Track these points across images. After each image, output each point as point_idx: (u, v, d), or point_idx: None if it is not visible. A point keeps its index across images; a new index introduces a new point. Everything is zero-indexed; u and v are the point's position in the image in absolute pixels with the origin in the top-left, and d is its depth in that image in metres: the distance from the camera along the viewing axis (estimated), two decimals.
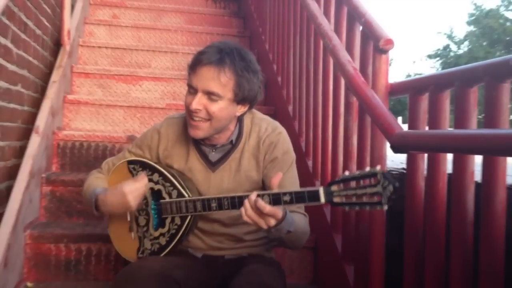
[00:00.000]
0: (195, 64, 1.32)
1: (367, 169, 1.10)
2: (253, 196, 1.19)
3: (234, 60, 1.31)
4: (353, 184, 1.10)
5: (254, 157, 1.43)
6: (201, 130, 1.35)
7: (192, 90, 1.33)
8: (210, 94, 1.30)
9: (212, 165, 1.44)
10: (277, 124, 1.49)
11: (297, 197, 1.17)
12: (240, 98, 1.33)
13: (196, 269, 1.42)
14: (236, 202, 1.26)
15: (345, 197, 1.12)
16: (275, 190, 1.20)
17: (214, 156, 1.44)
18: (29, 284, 1.87)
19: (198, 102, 1.31)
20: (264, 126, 1.45)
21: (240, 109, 1.38)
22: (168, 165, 1.46)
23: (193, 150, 1.46)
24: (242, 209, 1.20)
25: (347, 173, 1.13)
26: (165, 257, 1.39)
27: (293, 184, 1.43)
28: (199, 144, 1.45)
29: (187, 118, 1.37)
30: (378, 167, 1.08)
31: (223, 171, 1.43)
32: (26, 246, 1.90)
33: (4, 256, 1.65)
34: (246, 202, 1.19)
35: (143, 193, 1.38)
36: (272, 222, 1.19)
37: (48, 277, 1.92)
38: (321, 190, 1.14)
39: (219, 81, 1.29)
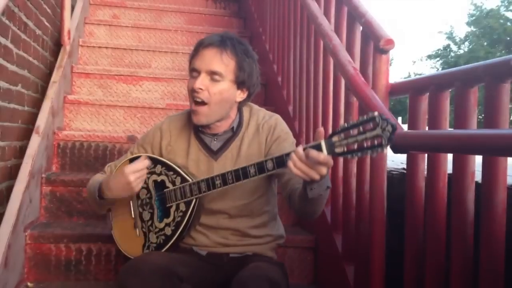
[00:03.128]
0: (198, 47, 1.39)
1: (364, 115, 1.10)
2: (300, 149, 1.16)
3: (234, 43, 1.39)
4: (353, 132, 1.10)
5: (255, 142, 1.46)
6: (203, 115, 1.38)
7: (195, 73, 1.38)
8: (212, 74, 1.36)
9: (214, 154, 1.46)
10: (273, 113, 1.54)
11: None
12: (241, 80, 1.39)
13: (200, 267, 1.42)
14: (240, 174, 1.28)
15: (346, 146, 1.12)
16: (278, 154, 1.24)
17: (215, 145, 1.47)
18: (29, 284, 1.87)
19: (201, 82, 1.35)
20: (261, 115, 1.51)
21: (239, 95, 1.42)
22: (170, 160, 1.48)
23: (194, 141, 1.48)
24: (290, 163, 1.17)
25: (345, 123, 1.13)
26: (168, 253, 1.40)
27: None
28: (200, 135, 1.48)
29: (190, 103, 1.41)
30: (376, 112, 1.08)
31: (225, 159, 1.45)
32: (26, 246, 1.90)
33: (4, 256, 1.65)
34: (293, 155, 1.17)
35: (144, 172, 1.39)
36: (325, 170, 1.15)
37: (48, 277, 1.92)
38: (323, 143, 1.14)
39: (221, 60, 1.35)
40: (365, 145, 1.09)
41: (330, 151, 1.14)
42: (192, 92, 1.37)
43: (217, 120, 1.42)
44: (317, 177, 1.16)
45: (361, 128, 1.09)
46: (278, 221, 1.56)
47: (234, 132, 1.47)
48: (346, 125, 1.12)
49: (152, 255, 1.38)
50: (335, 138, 1.13)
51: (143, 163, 1.39)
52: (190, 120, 1.46)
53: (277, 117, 1.51)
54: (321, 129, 1.18)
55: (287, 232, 1.61)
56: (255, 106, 1.55)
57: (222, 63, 1.35)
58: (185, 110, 1.56)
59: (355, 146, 1.11)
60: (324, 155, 1.14)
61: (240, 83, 1.39)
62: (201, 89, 1.35)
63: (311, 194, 1.23)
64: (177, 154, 1.48)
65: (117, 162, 1.57)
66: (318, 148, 1.15)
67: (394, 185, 1.70)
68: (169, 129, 1.51)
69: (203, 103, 1.37)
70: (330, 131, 1.98)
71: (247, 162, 1.41)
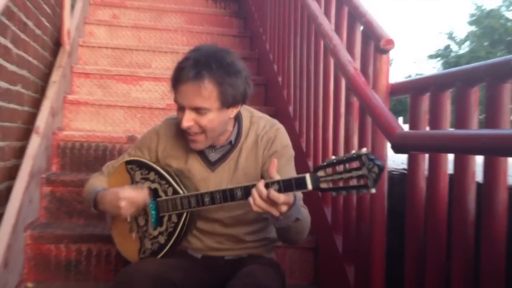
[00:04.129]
0: (175, 83, 1.33)
1: (353, 151, 1.09)
2: (261, 185, 1.17)
3: (211, 70, 1.28)
4: (339, 168, 1.09)
5: (252, 154, 1.44)
6: (199, 143, 1.37)
7: (180, 106, 1.35)
8: (197, 109, 1.31)
9: (212, 165, 1.45)
10: (275, 121, 1.50)
11: (285, 186, 1.17)
12: (228, 104, 1.33)
13: (195, 270, 1.41)
14: (228, 195, 1.27)
15: (331, 182, 1.11)
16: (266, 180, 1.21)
17: (213, 156, 1.45)
18: (29, 284, 1.87)
19: (188, 119, 1.32)
20: (262, 124, 1.46)
21: (232, 111, 1.38)
22: (168, 165, 1.47)
23: (192, 150, 1.46)
24: (250, 199, 1.18)
25: (333, 157, 1.12)
26: (162, 259, 1.39)
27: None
28: None
29: (185, 131, 1.38)
30: (364, 149, 1.08)
31: (223, 171, 1.44)
32: (26, 247, 1.90)
33: (4, 257, 1.65)
34: (254, 191, 1.18)
35: (137, 203, 1.38)
36: (284, 208, 1.18)
37: (48, 278, 1.91)
38: (308, 177, 1.14)
39: (201, 96, 1.28)
40: (350, 183, 1.09)
41: (315, 185, 1.13)
42: (183, 128, 1.35)
43: (215, 140, 1.41)
44: (276, 214, 1.18)
45: (347, 165, 1.08)
46: None
47: (232, 145, 1.45)
48: (332, 159, 1.11)
49: (145, 263, 1.36)
50: (320, 173, 1.12)
51: (141, 193, 1.38)
52: None
53: (277, 128, 1.46)
54: (274, 160, 1.22)
55: None
56: (256, 113, 1.50)
57: (203, 98, 1.28)
58: None
59: (340, 184, 1.11)
60: (283, 196, 1.15)
61: (228, 106, 1.34)
62: (190, 125, 1.32)
63: (278, 224, 1.26)
64: (173, 160, 1.47)
65: (115, 163, 1.57)
66: (303, 182, 1.15)
67: (394, 185, 1.70)
68: (166, 134, 1.50)
69: (198, 133, 1.35)
70: (330, 131, 1.98)
71: (244, 175, 1.41)
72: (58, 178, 2.16)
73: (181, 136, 1.48)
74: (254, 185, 1.20)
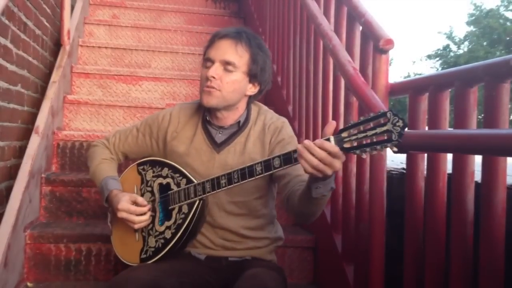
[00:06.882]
0: (213, 38, 1.43)
1: (376, 112, 1.08)
2: (307, 141, 1.12)
3: (249, 36, 1.42)
4: (363, 127, 1.09)
5: (259, 141, 1.47)
6: (214, 96, 1.39)
7: (209, 63, 1.40)
8: (226, 64, 1.38)
9: (217, 146, 1.46)
10: (281, 116, 1.57)
11: None
12: (253, 73, 1.41)
13: (196, 274, 1.39)
14: (246, 172, 1.25)
15: (356, 141, 1.10)
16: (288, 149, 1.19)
17: (220, 137, 1.47)
18: (29, 284, 1.87)
19: (214, 71, 1.38)
20: (269, 116, 1.53)
21: (250, 89, 1.45)
22: (174, 146, 1.48)
23: (200, 131, 1.49)
24: (300, 156, 1.12)
25: (358, 119, 1.11)
26: (156, 264, 1.36)
27: (300, 167, 1.39)
28: (206, 125, 1.49)
29: (201, 88, 1.42)
30: (387, 110, 1.08)
31: (228, 152, 1.45)
32: (26, 246, 1.90)
33: (4, 256, 1.65)
34: (300, 147, 1.12)
35: (132, 221, 1.43)
36: (338, 164, 1.11)
37: (48, 277, 1.92)
38: (332, 139, 1.12)
39: (235, 51, 1.38)
40: (375, 139, 1.07)
41: (339, 146, 1.11)
42: (205, 81, 1.39)
43: (226, 106, 1.42)
44: (329, 172, 1.11)
45: (371, 124, 1.08)
46: (276, 224, 1.55)
47: (240, 127, 1.47)
48: (356, 121, 1.11)
49: (136, 270, 1.32)
50: (344, 134, 1.12)
51: (140, 211, 1.42)
52: (199, 110, 1.50)
53: (284, 120, 1.53)
54: (332, 122, 1.15)
55: (287, 231, 1.61)
56: (264, 107, 1.57)
57: (236, 54, 1.38)
58: (196, 100, 1.56)
59: (364, 142, 1.09)
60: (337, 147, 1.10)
61: (252, 76, 1.41)
62: (214, 77, 1.37)
63: (315, 194, 1.19)
64: (180, 141, 1.49)
65: (123, 135, 1.59)
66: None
67: (393, 185, 1.70)
68: (178, 116, 1.53)
69: (216, 89, 1.38)
70: None
71: (251, 160, 1.39)
72: (57, 177, 2.16)
73: (193, 117, 1.52)
74: (273, 158, 1.20)
